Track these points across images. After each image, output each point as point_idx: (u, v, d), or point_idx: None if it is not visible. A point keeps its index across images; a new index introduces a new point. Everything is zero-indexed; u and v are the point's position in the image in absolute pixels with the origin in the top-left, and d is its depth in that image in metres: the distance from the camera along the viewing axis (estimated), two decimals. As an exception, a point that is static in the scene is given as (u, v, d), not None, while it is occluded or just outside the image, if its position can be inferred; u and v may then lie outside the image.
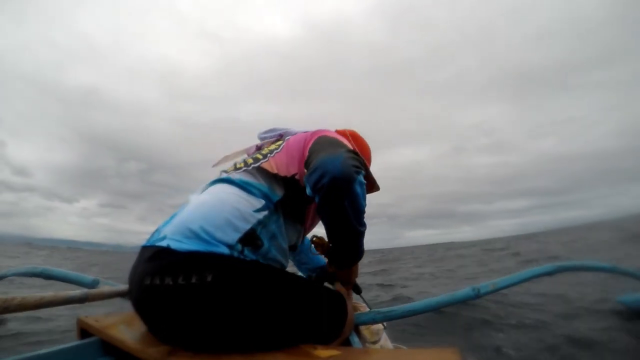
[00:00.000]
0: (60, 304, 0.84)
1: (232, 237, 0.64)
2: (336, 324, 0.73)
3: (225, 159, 0.95)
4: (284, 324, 0.63)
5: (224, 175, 0.80)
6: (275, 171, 0.78)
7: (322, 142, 0.78)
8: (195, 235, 0.62)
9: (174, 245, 0.61)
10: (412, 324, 1.81)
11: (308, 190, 0.66)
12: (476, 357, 1.36)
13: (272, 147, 0.87)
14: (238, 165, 0.84)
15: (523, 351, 1.37)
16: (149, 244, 0.67)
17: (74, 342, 0.70)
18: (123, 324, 0.72)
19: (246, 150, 0.99)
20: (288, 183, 0.78)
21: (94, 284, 1.22)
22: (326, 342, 0.69)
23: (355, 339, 0.83)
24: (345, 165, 0.62)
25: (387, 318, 0.99)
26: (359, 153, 0.89)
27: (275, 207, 0.74)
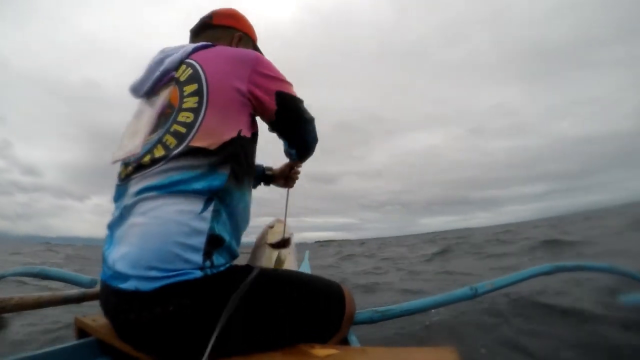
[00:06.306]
0: (58, 303, 0.84)
1: (196, 259, 0.58)
2: (333, 319, 0.72)
3: (123, 147, 0.74)
4: (280, 323, 0.63)
5: (149, 183, 0.62)
6: (212, 145, 0.63)
7: (297, 104, 0.82)
8: (159, 273, 0.55)
9: (143, 287, 0.55)
10: (410, 322, 1.82)
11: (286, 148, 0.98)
12: (474, 356, 1.36)
13: (189, 103, 0.66)
14: (157, 154, 0.64)
15: (520, 351, 1.37)
16: (112, 284, 0.59)
17: (71, 341, 0.70)
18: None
19: (145, 122, 0.72)
20: (230, 150, 0.65)
21: (91, 284, 1.22)
22: (323, 337, 0.69)
23: (353, 338, 0.83)
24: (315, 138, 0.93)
25: (385, 317, 0.99)
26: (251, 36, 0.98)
27: (222, 191, 0.63)
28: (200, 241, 0.58)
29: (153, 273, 0.55)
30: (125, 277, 0.57)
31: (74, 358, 0.67)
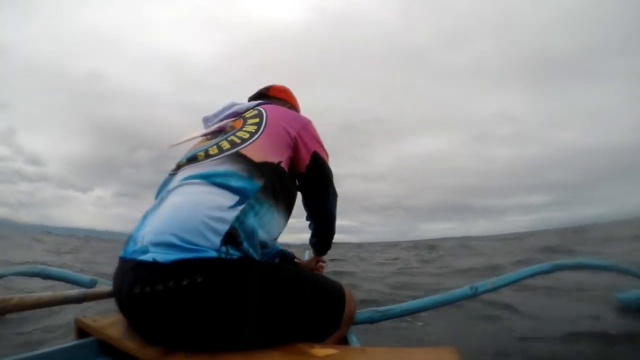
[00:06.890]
0: (58, 303, 0.84)
1: (215, 240, 0.61)
2: (333, 317, 0.73)
3: (187, 139, 0.88)
4: (279, 318, 0.64)
5: (195, 172, 0.72)
6: (257, 159, 0.74)
7: (327, 170, 0.96)
8: (179, 245, 0.60)
9: (161, 258, 0.58)
10: (410, 322, 1.82)
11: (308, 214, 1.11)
12: (474, 356, 1.36)
13: (249, 128, 0.82)
14: (211, 152, 0.76)
15: (520, 350, 1.37)
16: (130, 257, 0.63)
17: (71, 342, 0.70)
18: (120, 324, 0.72)
19: (208, 134, 0.90)
20: (269, 169, 0.75)
21: (92, 284, 1.22)
22: (322, 335, 0.70)
23: (353, 338, 0.83)
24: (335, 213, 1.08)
25: (386, 317, 1.00)
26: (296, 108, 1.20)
27: (254, 198, 0.69)
28: (222, 228, 0.63)
29: (173, 240, 0.60)
30: (145, 250, 0.61)
31: (74, 358, 0.67)
